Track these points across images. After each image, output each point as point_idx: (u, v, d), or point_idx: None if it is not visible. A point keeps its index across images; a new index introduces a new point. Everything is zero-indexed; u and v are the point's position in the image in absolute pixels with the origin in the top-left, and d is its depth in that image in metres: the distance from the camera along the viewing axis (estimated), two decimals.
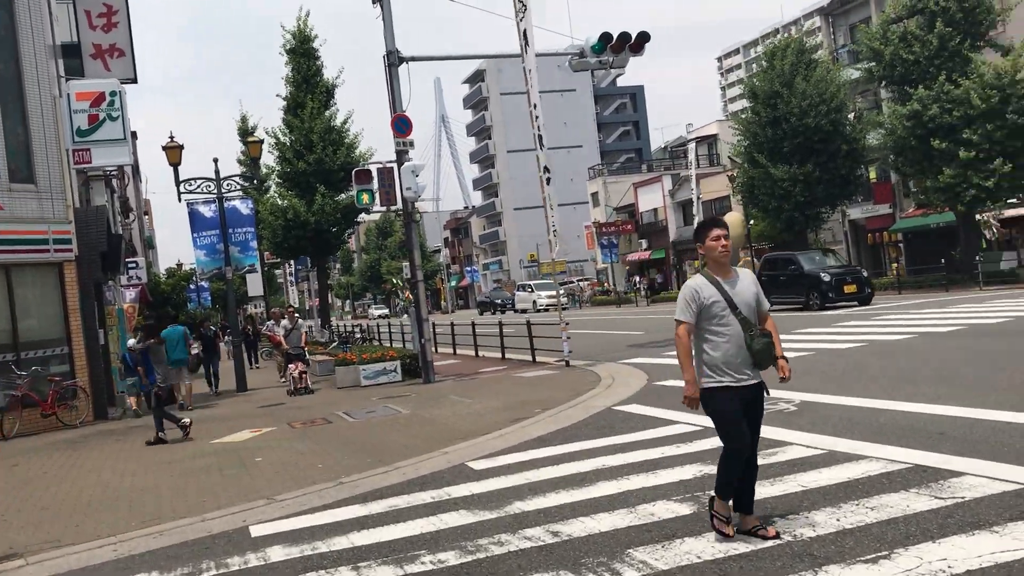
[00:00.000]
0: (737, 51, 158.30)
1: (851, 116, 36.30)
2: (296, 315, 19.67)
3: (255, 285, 35.31)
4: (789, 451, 7.34)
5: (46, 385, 15.58)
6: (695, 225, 52.26)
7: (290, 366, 18.10)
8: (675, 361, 15.91)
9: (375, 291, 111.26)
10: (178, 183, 19.69)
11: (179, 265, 39.45)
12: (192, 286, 39.62)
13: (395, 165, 17.23)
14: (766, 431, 8.19)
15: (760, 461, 7.06)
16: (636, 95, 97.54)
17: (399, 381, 18.16)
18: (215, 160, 20.28)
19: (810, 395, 10.06)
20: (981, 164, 26.96)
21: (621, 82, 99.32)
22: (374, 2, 17.15)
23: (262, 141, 21.68)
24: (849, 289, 25.33)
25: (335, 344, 25.50)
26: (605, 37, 17.63)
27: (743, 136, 38.07)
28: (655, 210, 60.08)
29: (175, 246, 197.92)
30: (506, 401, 12.72)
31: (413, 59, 17.52)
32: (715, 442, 7.98)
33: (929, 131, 27.89)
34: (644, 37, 17.89)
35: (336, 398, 16.01)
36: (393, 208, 17.22)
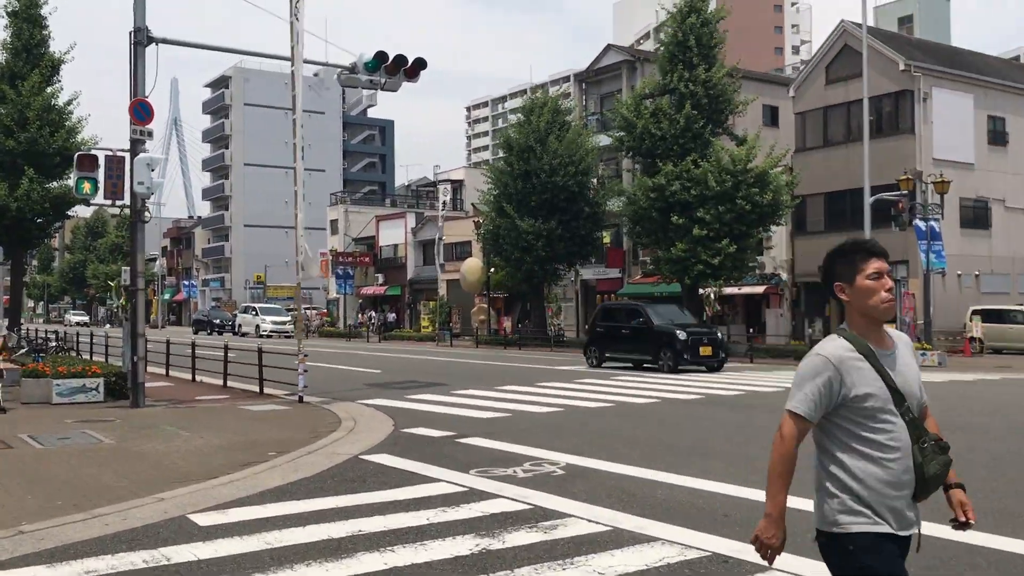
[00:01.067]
0: (486, 103, 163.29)
1: (595, 181, 37.82)
2: None
3: None
4: (572, 525, 6.60)
5: None
6: (437, 264, 51.09)
7: None
8: (422, 407, 14.90)
9: (75, 295, 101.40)
10: None
11: None
12: None
13: (127, 155, 15.11)
14: (540, 497, 7.50)
15: (542, 536, 6.33)
16: (386, 128, 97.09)
17: (101, 402, 15.81)
18: None
19: (575, 457, 9.50)
20: (710, 242, 28.70)
21: (372, 113, 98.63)
22: None
23: None
24: (705, 351, 22.67)
25: (24, 351, 22.17)
26: (381, 56, 16.69)
27: (494, 184, 38.45)
28: (396, 246, 59.40)
29: None
30: (233, 438, 11.15)
31: (164, 41, 15.57)
32: (486, 507, 7.16)
33: (669, 205, 29.36)
34: (420, 64, 17.15)
35: (20, 417, 13.50)
36: (119, 203, 15.04)
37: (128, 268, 15.57)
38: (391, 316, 57.88)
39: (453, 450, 10.21)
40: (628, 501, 7.40)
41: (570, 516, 6.84)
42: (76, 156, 14.35)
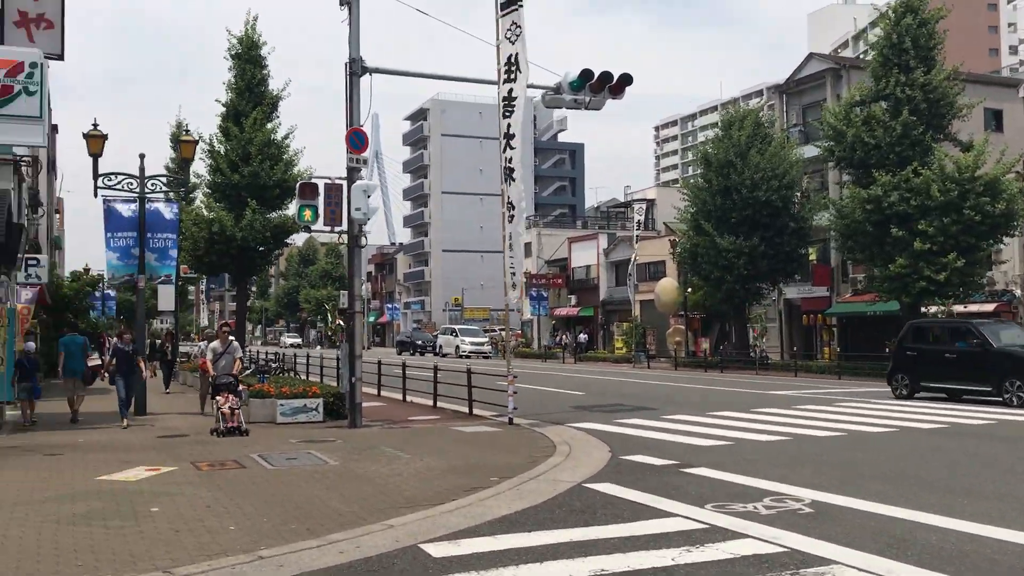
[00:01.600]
0: (675, 122, 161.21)
1: (800, 194, 36.07)
2: (230, 336, 16.06)
3: (167, 298, 32.86)
4: (841, 575, 5.86)
5: None
6: (630, 285, 50.97)
7: (218, 398, 14.49)
8: (635, 432, 14.20)
9: (289, 318, 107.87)
10: (96, 176, 17.63)
11: (86, 270, 36.60)
12: (97, 293, 36.85)
13: (344, 182, 15.56)
14: (793, 539, 6.79)
15: None
16: (576, 152, 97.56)
17: (320, 422, 16.30)
18: (141, 156, 18.30)
19: (819, 493, 8.66)
20: (934, 257, 26.56)
21: (562, 137, 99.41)
22: (341, 4, 15.62)
23: (196, 142, 19.72)
24: None
25: (249, 371, 23.37)
26: (586, 74, 16.43)
27: (691, 202, 37.44)
28: (588, 267, 59.23)
29: (83, 252, 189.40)
30: (452, 461, 11.03)
31: (377, 71, 15.98)
32: (734, 548, 6.50)
33: (886, 218, 27.46)
34: (626, 80, 16.76)
35: (250, 435, 14.04)
36: (337, 229, 15.49)
37: (345, 292, 15.99)
38: (583, 337, 57.64)
39: (680, 481, 9.61)
40: (899, 547, 6.54)
41: (835, 563, 6.09)
42: (299, 185, 14.95)
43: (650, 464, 10.84)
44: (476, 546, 6.75)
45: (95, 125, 17.63)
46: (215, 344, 15.75)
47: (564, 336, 54.63)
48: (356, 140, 15.39)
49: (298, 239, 71.27)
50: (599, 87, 16.66)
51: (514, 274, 16.29)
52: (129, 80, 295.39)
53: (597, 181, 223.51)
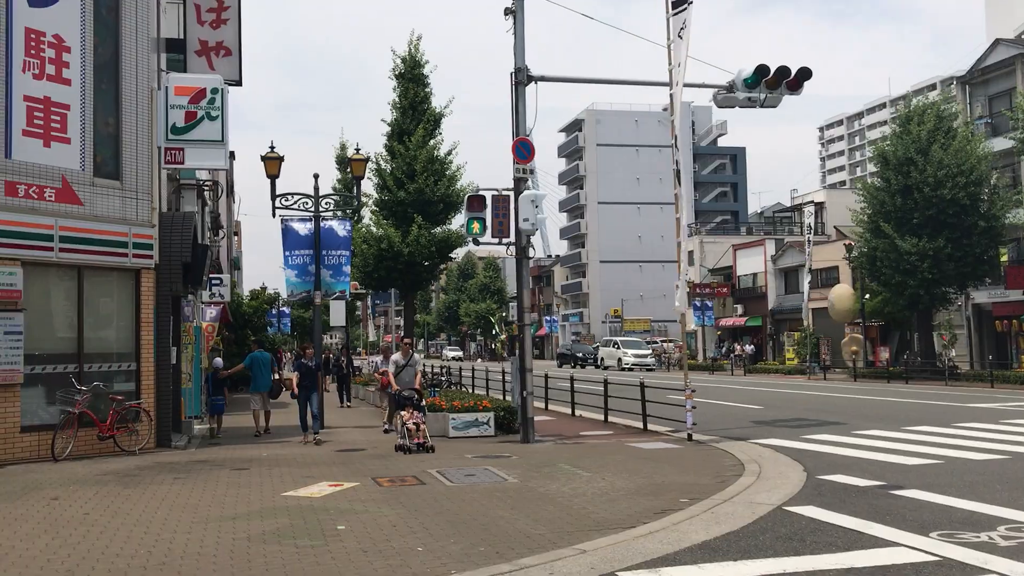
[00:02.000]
0: (840, 122, 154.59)
1: (989, 191, 33.41)
2: (411, 348, 16.10)
3: (338, 314, 33.85)
4: None
5: (107, 404, 13.95)
6: (804, 293, 48.48)
7: (402, 413, 14.26)
8: (826, 449, 13.15)
9: (450, 332, 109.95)
10: (274, 197, 18.17)
11: (263, 288, 38.31)
12: (273, 311, 38.40)
13: (511, 193, 15.35)
14: None
15: None
16: (737, 156, 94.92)
17: (491, 436, 16.12)
18: (315, 176, 18.75)
19: None
20: None
21: (722, 142, 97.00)
22: (506, 14, 15.46)
23: (367, 159, 20.09)
24: None
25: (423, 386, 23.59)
26: (761, 70, 15.64)
27: (867, 203, 35.38)
28: (755, 275, 57.22)
29: (260, 272, 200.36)
30: (635, 481, 10.50)
31: (543, 79, 15.72)
32: None
33: None
34: (805, 74, 15.84)
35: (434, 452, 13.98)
36: (505, 241, 15.29)
37: (513, 303, 15.75)
38: (750, 348, 55.70)
39: (892, 504, 8.72)
40: None
41: None
42: (467, 198, 14.86)
43: (853, 485, 9.96)
44: None
45: (272, 147, 18.20)
46: (396, 356, 15.88)
47: (737, 346, 52.80)
48: (523, 150, 15.16)
49: (459, 252, 72.57)
50: (775, 83, 15.85)
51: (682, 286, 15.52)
52: (294, 106, 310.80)
53: (758, 186, 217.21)
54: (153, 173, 14.94)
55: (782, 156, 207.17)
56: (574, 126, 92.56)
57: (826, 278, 50.27)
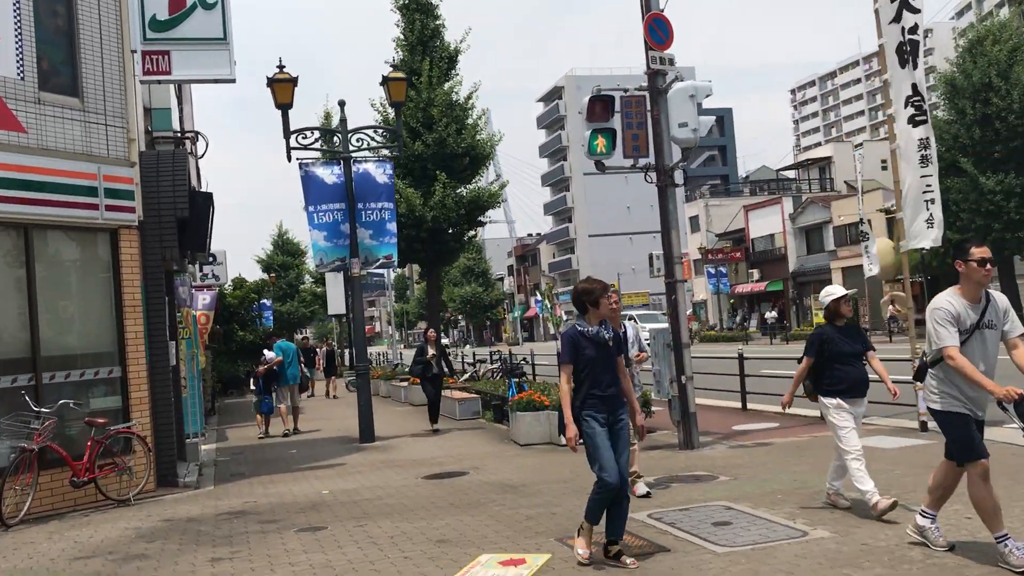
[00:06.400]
0: (812, 83, 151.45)
1: None
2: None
3: (337, 299, 29.09)
4: None
5: (81, 431, 9.24)
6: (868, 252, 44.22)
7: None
8: None
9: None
10: (288, 134, 13.43)
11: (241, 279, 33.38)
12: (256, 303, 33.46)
13: (646, 93, 10.79)
14: None
15: None
16: (724, 118, 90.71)
17: None
18: (341, 103, 14.02)
19: None
20: None
21: (707, 104, 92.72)
22: None
23: (407, 79, 15.30)
24: None
25: (466, 376, 19.05)
26: None
27: (937, 138, 31.18)
28: (771, 236, 53.12)
29: (231, 258, 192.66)
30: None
31: None
32: None
33: None
34: None
35: (559, 473, 9.43)
36: (642, 163, 10.74)
37: (659, 253, 11.23)
38: (772, 314, 51.68)
39: None
40: None
41: None
42: (588, 102, 10.29)
43: None
44: None
45: (281, 67, 13.44)
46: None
47: (767, 314, 48.69)
48: (658, 31, 10.64)
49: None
50: None
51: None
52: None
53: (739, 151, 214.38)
54: (129, 88, 10.16)
55: (758, 124, 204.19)
56: (553, 94, 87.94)
57: (855, 234, 46.33)
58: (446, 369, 14.63)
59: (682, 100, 10.04)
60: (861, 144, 46.14)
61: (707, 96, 10.20)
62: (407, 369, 18.05)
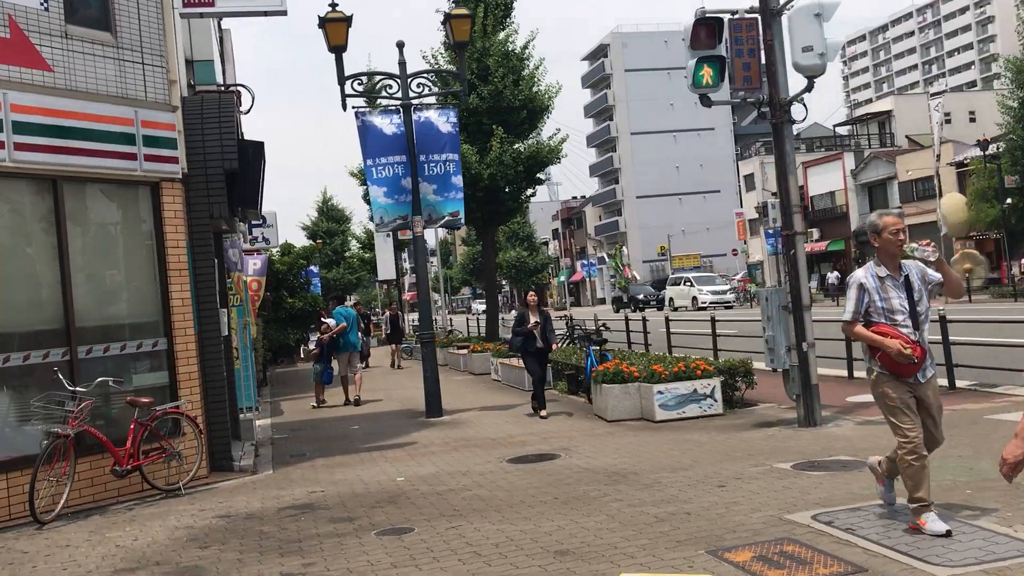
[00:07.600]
0: (863, 37, 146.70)
1: None
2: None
3: (387, 264, 27.92)
4: None
5: (124, 413, 8.14)
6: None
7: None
8: None
9: (476, 285, 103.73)
10: (343, 80, 12.15)
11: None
12: (311, 268, 32.47)
13: (758, 16, 9.30)
14: None
15: None
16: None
17: (719, 414, 10.40)
18: (399, 45, 12.67)
19: None
20: None
21: None
22: None
23: (471, 16, 13.90)
24: None
25: (568, 342, 17.68)
26: None
27: (1017, 85, 29.13)
28: (832, 194, 51.02)
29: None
30: None
31: None
32: None
33: None
34: None
35: (668, 458, 8.15)
36: (751, 96, 9.29)
37: (773, 202, 9.81)
38: (833, 276, 49.71)
39: None
40: None
41: None
42: (692, 27, 8.80)
43: None
44: None
45: (333, 5, 12.12)
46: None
47: (829, 276, 46.79)
48: None
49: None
50: None
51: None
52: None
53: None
54: (168, 23, 8.93)
55: (802, 80, 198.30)
56: (599, 52, 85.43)
57: (922, 189, 44.26)
58: (552, 341, 12.09)
59: (806, 20, 8.54)
60: (941, 93, 43.78)
61: (832, 11, 8.60)
62: (505, 347, 16.35)
